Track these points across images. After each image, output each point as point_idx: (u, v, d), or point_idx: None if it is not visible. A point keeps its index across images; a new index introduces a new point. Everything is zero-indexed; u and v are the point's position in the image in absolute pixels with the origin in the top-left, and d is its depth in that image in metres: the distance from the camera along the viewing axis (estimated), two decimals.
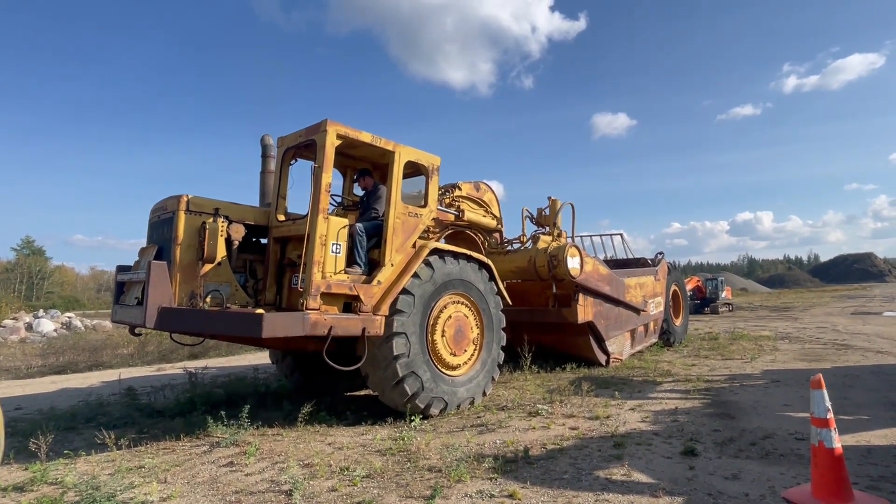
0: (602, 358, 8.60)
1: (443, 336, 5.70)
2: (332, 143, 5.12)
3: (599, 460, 3.99)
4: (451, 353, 5.79)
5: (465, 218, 7.31)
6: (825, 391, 3.18)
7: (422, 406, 5.32)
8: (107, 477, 3.77)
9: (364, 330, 5.03)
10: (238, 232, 5.20)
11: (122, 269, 5.47)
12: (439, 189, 6.83)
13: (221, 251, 5.02)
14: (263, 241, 5.81)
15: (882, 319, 17.34)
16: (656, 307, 10.57)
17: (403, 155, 5.80)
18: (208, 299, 4.86)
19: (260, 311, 4.47)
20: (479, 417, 5.47)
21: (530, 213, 9.04)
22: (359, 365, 5.25)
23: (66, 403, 6.70)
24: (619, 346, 9.10)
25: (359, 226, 5.43)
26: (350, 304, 5.12)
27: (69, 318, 22.94)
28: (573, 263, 7.67)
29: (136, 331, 5.59)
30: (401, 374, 5.15)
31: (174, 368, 10.55)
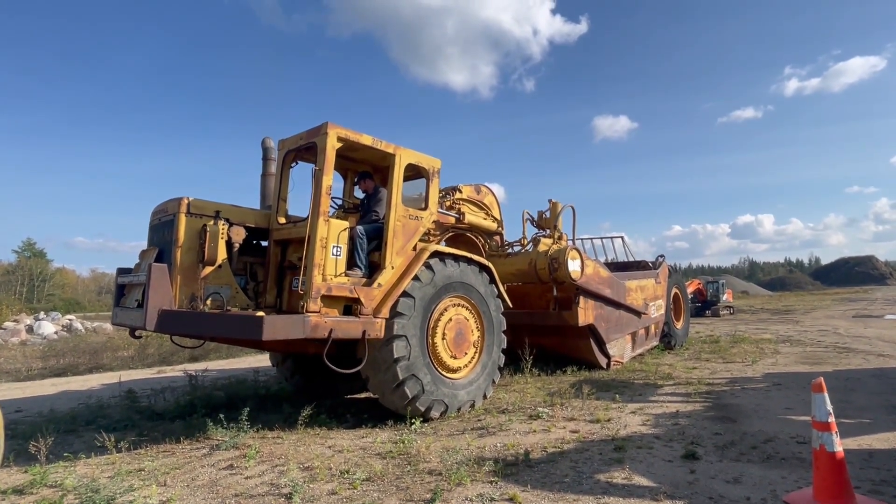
0: (603, 361, 8.59)
1: (443, 339, 5.69)
2: (332, 145, 5.13)
3: (600, 464, 3.98)
4: (451, 356, 5.78)
5: (466, 221, 7.31)
6: (826, 394, 3.18)
7: (422, 409, 5.31)
8: (106, 480, 3.76)
9: (364, 333, 5.03)
10: (239, 234, 5.21)
11: (122, 271, 5.47)
12: (440, 192, 6.83)
13: (222, 254, 5.02)
14: (264, 243, 5.81)
15: (883, 323, 17.30)
16: (657, 310, 10.56)
17: (404, 158, 5.81)
18: (209, 302, 4.86)
19: (260, 313, 4.47)
20: (479, 420, 5.46)
21: (531, 216, 9.03)
22: (359, 368, 5.25)
23: (66, 406, 6.70)
24: (620, 349, 9.09)
25: (359, 228, 5.43)
26: (350, 306, 5.12)
27: (70, 320, 23.00)
28: (574, 266, 7.67)
29: (137, 333, 5.60)
30: (401, 377, 5.14)
31: (174, 371, 10.53)
